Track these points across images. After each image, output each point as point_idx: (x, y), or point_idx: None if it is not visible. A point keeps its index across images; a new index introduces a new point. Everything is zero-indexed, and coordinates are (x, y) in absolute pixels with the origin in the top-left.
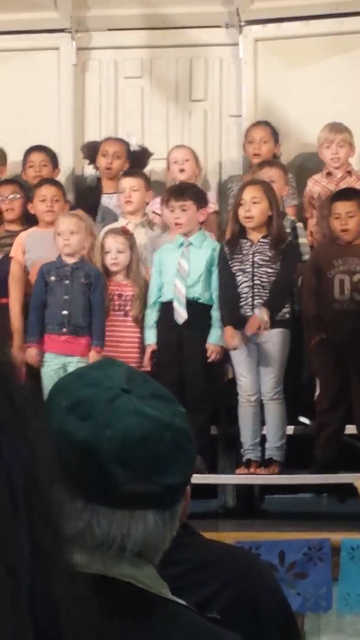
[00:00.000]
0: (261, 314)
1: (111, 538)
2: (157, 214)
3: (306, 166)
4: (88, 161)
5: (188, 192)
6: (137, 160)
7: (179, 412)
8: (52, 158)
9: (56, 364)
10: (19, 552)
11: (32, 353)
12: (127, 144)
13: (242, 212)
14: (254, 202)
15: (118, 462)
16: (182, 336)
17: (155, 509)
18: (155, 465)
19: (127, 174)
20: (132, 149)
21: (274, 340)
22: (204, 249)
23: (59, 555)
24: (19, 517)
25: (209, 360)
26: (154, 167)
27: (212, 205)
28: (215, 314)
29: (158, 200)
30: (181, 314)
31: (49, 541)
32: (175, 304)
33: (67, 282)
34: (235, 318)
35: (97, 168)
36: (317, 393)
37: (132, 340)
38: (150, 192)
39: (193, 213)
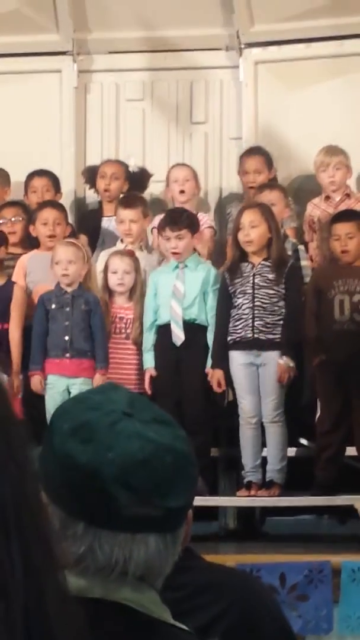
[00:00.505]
0: (286, 362)
1: (113, 561)
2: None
3: (306, 188)
4: (88, 186)
5: (183, 221)
6: (136, 181)
7: (181, 436)
8: (55, 182)
9: (60, 386)
10: (11, 571)
11: (35, 381)
12: (125, 166)
13: (241, 237)
14: (253, 226)
15: (120, 485)
16: (180, 358)
17: (157, 532)
18: (157, 488)
19: (124, 204)
20: (131, 170)
21: (273, 362)
22: (199, 271)
23: (52, 574)
24: (10, 535)
25: (215, 386)
26: (155, 189)
27: (208, 221)
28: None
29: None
30: (179, 336)
31: (41, 559)
32: (173, 326)
33: (67, 309)
34: (225, 363)
35: (97, 192)
36: (317, 415)
37: (133, 363)
38: (149, 217)
39: (189, 240)
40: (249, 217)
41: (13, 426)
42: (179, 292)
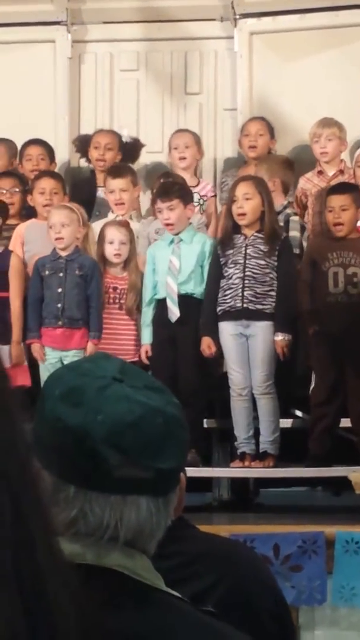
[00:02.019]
0: (282, 339)
1: (105, 524)
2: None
3: (301, 159)
4: (80, 155)
5: (174, 192)
6: (129, 152)
7: (172, 402)
8: (49, 152)
9: (53, 357)
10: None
11: (36, 348)
12: (119, 136)
13: (234, 209)
14: (247, 199)
15: (110, 446)
16: (175, 332)
17: (149, 495)
18: (148, 449)
19: (114, 173)
20: (124, 140)
21: (262, 333)
22: (194, 244)
23: (44, 531)
24: None
25: (204, 352)
26: (149, 159)
27: (213, 189)
28: None
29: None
30: (174, 312)
31: (32, 513)
32: (168, 302)
33: (61, 274)
34: (213, 330)
35: (89, 161)
36: (312, 386)
37: (128, 333)
38: (139, 186)
39: (181, 211)
40: (243, 190)
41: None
42: (174, 267)
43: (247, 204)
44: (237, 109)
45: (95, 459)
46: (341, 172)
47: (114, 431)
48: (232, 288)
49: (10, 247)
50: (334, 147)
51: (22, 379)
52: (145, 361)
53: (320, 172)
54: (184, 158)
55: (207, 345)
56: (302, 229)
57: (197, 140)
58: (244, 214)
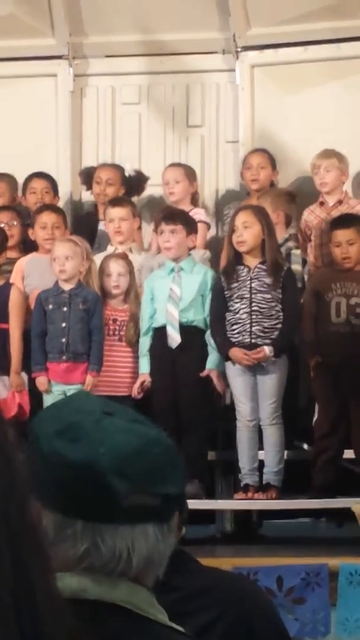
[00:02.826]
0: (269, 351)
1: (117, 554)
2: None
3: (303, 192)
4: (85, 187)
5: (178, 217)
6: (133, 185)
7: (162, 432)
8: (53, 185)
9: (57, 390)
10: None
11: (42, 381)
12: (121, 170)
13: (234, 238)
14: (246, 227)
15: (116, 475)
16: (176, 360)
17: (155, 522)
18: (152, 475)
19: (113, 203)
20: (127, 174)
21: (271, 366)
22: (195, 274)
23: (42, 571)
24: None
25: (217, 387)
26: (151, 192)
27: (202, 216)
28: (212, 339)
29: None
30: (175, 339)
31: (30, 554)
32: (169, 329)
33: (65, 309)
34: (232, 343)
35: (94, 194)
36: (315, 418)
37: (127, 365)
38: (137, 218)
39: (183, 238)
40: (242, 218)
41: (2, 425)
42: (175, 295)
43: (246, 231)
44: (239, 141)
45: (103, 490)
46: (340, 202)
47: (118, 460)
48: (239, 323)
49: (11, 281)
50: (333, 178)
51: (25, 403)
52: (136, 393)
53: (322, 203)
54: (173, 193)
55: (240, 356)
56: (304, 262)
57: (189, 173)
58: (243, 242)
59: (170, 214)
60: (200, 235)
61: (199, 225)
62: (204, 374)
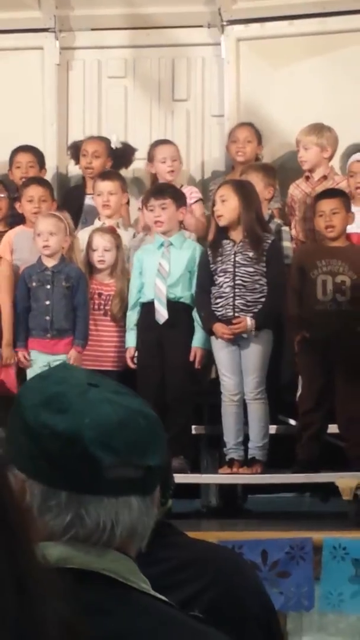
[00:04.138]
0: (250, 324)
1: (101, 526)
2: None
3: (289, 166)
4: (74, 162)
5: (168, 191)
6: (120, 158)
7: (145, 403)
8: (39, 158)
9: (42, 361)
10: None
11: (21, 357)
12: (108, 142)
13: (214, 211)
14: (223, 201)
15: (101, 447)
16: (163, 336)
17: (138, 494)
18: (137, 448)
19: (103, 176)
20: (114, 146)
21: (256, 340)
22: (184, 250)
23: (25, 536)
24: None
25: (196, 365)
26: (137, 166)
27: (195, 194)
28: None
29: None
30: (162, 314)
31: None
32: (157, 304)
33: (48, 286)
34: (216, 317)
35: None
36: (299, 393)
37: (111, 340)
38: (126, 194)
39: (173, 212)
40: (220, 192)
41: None
42: (164, 270)
43: (223, 205)
44: (224, 115)
45: (88, 462)
46: (325, 177)
47: (103, 432)
48: (222, 297)
49: (0, 254)
50: (312, 155)
51: (10, 379)
52: (131, 364)
53: (307, 178)
54: (172, 171)
55: (222, 331)
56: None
57: (178, 151)
58: (220, 216)
59: (159, 189)
60: (198, 216)
61: (195, 206)
62: (191, 355)
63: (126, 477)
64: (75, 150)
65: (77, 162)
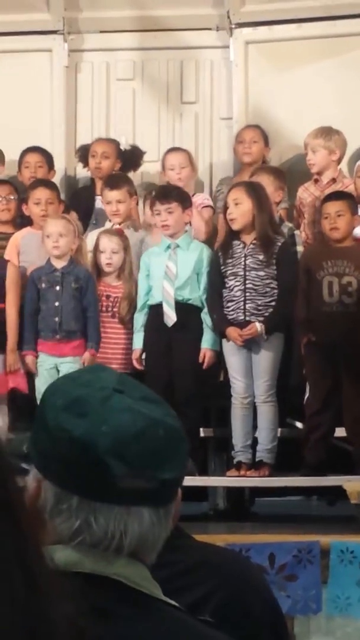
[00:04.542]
0: (260, 328)
1: (110, 535)
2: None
3: (296, 169)
4: (82, 165)
5: (173, 195)
6: (129, 159)
7: (171, 414)
8: (48, 159)
9: (49, 364)
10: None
11: (28, 361)
12: (117, 144)
13: (227, 215)
14: (236, 204)
15: (115, 456)
16: (171, 338)
17: (150, 506)
18: (151, 460)
19: (111, 185)
20: (122, 148)
21: (267, 343)
22: (191, 252)
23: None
24: None
25: (204, 366)
26: (145, 168)
27: (206, 200)
28: (207, 318)
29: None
30: (170, 317)
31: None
32: (165, 307)
33: (57, 288)
34: (229, 321)
35: (91, 170)
36: (306, 396)
37: (119, 342)
38: (135, 197)
39: (179, 215)
40: (233, 195)
41: None
42: (171, 272)
43: (236, 209)
44: (232, 118)
45: (100, 470)
46: (334, 180)
47: (118, 442)
48: (233, 300)
49: (6, 256)
50: (320, 158)
51: (20, 385)
52: (137, 366)
53: (316, 181)
54: (181, 179)
55: (235, 336)
56: None
57: (191, 158)
58: (233, 219)
59: (163, 193)
60: (206, 221)
61: (204, 210)
62: (200, 356)
63: (138, 487)
64: (83, 153)
65: (85, 165)
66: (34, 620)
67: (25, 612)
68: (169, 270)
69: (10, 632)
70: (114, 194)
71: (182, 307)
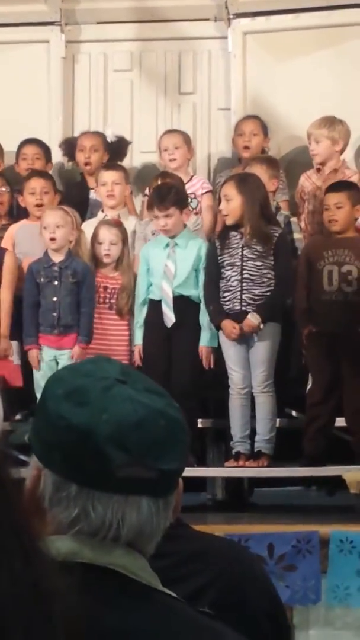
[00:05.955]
0: (254, 318)
1: (107, 523)
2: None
3: (295, 159)
4: (67, 158)
5: (170, 199)
6: (115, 151)
7: (173, 405)
8: (46, 151)
9: (48, 356)
10: None
11: (32, 355)
12: (103, 136)
13: (220, 210)
14: (227, 200)
15: (114, 445)
16: (171, 332)
17: (150, 496)
18: (151, 449)
19: (107, 167)
20: (109, 140)
21: (264, 333)
22: (189, 249)
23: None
24: None
25: (204, 364)
26: (143, 159)
27: (206, 185)
28: (204, 317)
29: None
30: (169, 317)
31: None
32: (164, 307)
33: (55, 282)
34: (224, 313)
35: (77, 164)
36: (309, 386)
37: (117, 334)
38: (129, 185)
39: (177, 217)
40: (224, 191)
41: None
42: (169, 272)
43: (227, 204)
44: (230, 108)
45: (99, 458)
46: (335, 171)
47: (118, 431)
48: (230, 290)
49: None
50: (323, 149)
51: (15, 379)
52: (139, 362)
53: (318, 170)
54: (174, 159)
55: (230, 329)
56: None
57: (187, 139)
58: (225, 215)
59: (160, 199)
60: (204, 203)
61: (205, 196)
62: (199, 354)
63: (137, 477)
64: (68, 147)
65: (71, 158)
66: (35, 614)
67: (26, 605)
68: (167, 269)
69: (8, 600)
70: (110, 174)
71: (182, 302)
